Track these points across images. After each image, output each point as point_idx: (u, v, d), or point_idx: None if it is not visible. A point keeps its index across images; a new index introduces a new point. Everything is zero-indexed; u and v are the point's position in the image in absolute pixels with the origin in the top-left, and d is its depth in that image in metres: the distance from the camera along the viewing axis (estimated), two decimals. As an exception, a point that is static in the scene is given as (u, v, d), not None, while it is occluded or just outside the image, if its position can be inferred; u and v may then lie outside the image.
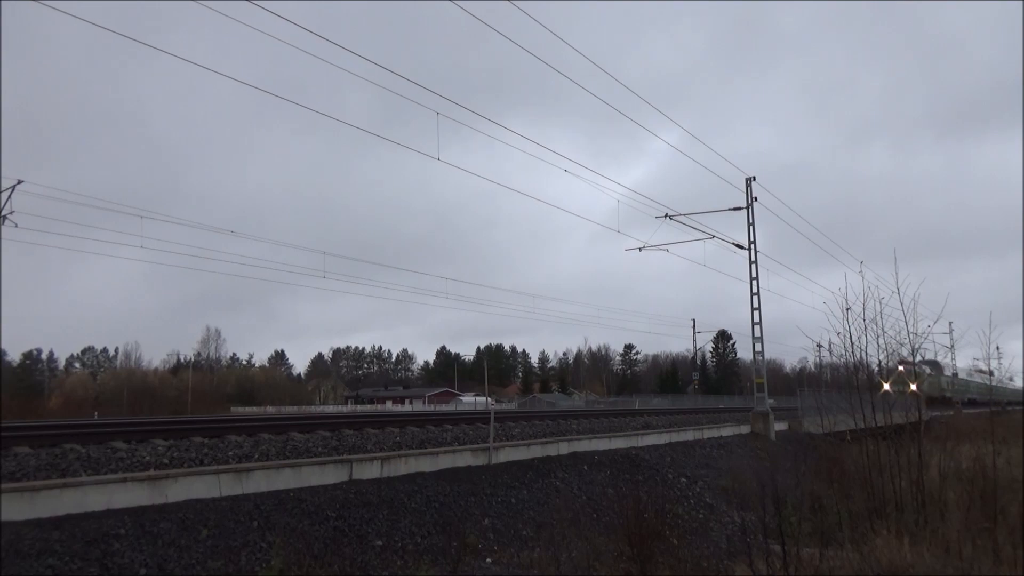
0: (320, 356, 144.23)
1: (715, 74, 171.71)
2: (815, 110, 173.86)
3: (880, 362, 14.24)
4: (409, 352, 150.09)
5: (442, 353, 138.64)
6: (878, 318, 12.29)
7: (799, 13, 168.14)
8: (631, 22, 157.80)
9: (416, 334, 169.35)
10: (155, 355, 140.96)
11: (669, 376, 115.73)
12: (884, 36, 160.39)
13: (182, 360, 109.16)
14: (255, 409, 77.17)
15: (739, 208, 24.78)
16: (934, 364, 60.94)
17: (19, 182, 27.36)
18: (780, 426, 24.35)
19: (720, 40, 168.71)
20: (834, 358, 37.49)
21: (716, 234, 25.65)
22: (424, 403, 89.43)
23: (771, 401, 27.46)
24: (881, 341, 12.78)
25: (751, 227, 24.58)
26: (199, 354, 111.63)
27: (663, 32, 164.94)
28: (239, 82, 15.02)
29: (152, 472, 8.07)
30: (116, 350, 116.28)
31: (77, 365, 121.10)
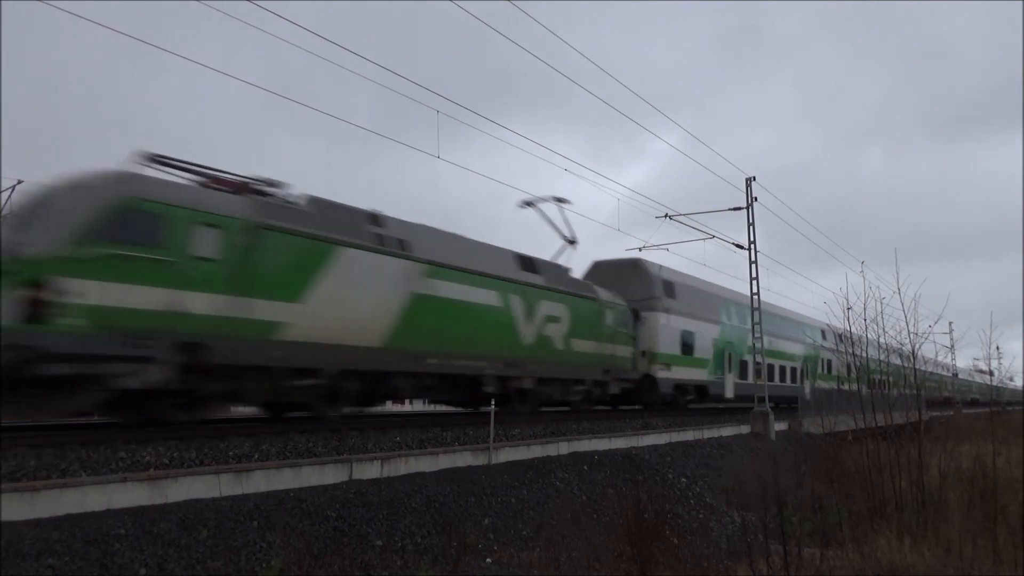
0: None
1: (714, 77, 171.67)
2: (813, 112, 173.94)
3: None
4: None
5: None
6: (879, 318, 12.29)
7: (798, 16, 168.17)
8: (632, 24, 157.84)
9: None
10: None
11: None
12: (881, 40, 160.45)
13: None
14: (255, 409, 76.82)
15: (739, 208, 24.75)
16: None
17: (19, 182, 27.28)
18: (780, 426, 24.32)
19: (719, 43, 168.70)
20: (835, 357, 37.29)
21: (716, 234, 25.56)
22: (424, 402, 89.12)
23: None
24: (882, 341, 12.81)
25: (751, 227, 24.55)
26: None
27: (663, 35, 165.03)
28: (244, 82, 14.98)
29: (152, 472, 8.06)
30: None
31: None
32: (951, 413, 36.27)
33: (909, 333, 12.34)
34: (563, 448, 13.97)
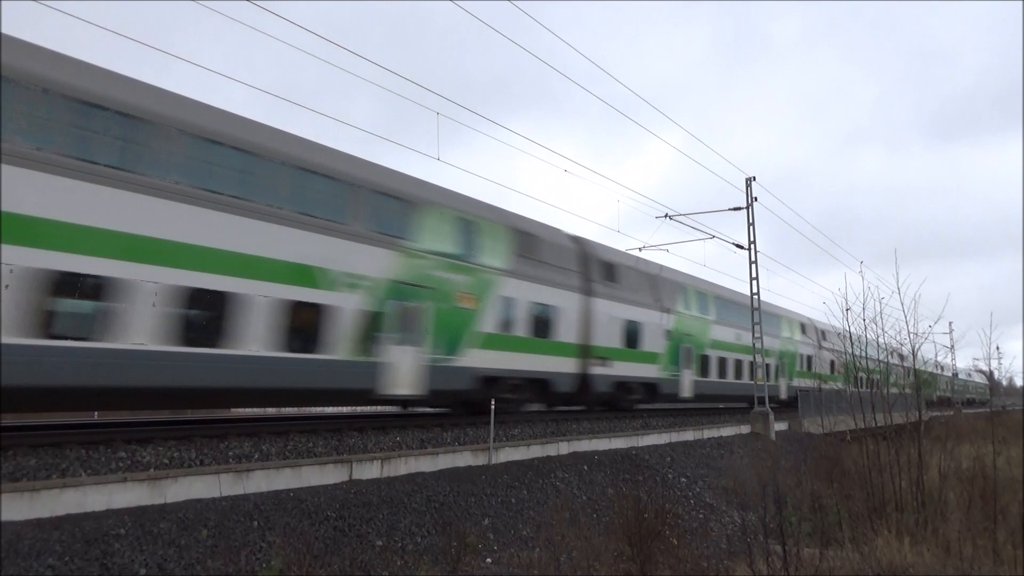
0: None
1: (714, 78, 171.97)
2: (812, 113, 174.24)
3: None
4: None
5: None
6: (878, 318, 12.30)
7: (796, 18, 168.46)
8: (633, 26, 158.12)
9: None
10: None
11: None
12: (878, 41, 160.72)
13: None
14: (255, 409, 76.86)
15: (739, 208, 24.80)
16: None
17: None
18: (780, 426, 24.34)
19: (719, 45, 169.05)
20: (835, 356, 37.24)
21: (716, 234, 25.58)
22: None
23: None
24: (882, 340, 12.82)
25: (751, 227, 24.59)
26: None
27: (664, 36, 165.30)
28: (245, 84, 15.00)
29: (152, 472, 8.07)
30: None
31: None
32: (951, 413, 36.31)
33: (909, 333, 12.34)
34: (563, 448, 13.98)
